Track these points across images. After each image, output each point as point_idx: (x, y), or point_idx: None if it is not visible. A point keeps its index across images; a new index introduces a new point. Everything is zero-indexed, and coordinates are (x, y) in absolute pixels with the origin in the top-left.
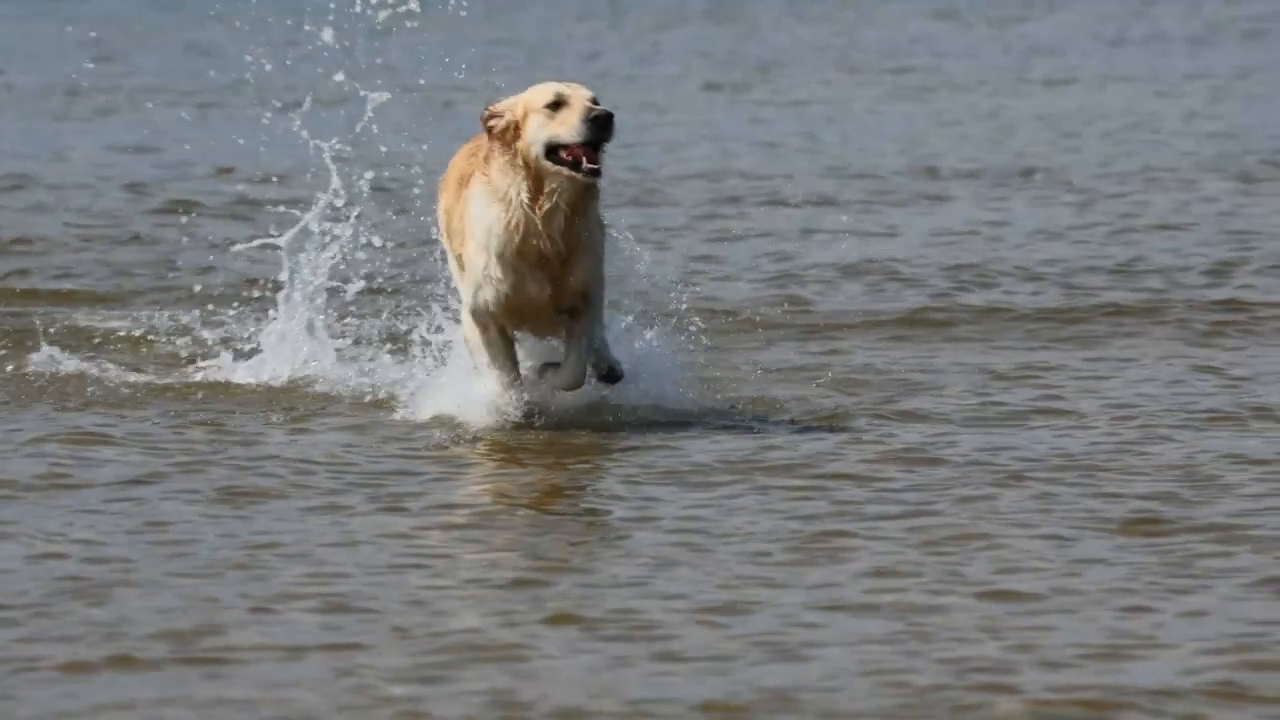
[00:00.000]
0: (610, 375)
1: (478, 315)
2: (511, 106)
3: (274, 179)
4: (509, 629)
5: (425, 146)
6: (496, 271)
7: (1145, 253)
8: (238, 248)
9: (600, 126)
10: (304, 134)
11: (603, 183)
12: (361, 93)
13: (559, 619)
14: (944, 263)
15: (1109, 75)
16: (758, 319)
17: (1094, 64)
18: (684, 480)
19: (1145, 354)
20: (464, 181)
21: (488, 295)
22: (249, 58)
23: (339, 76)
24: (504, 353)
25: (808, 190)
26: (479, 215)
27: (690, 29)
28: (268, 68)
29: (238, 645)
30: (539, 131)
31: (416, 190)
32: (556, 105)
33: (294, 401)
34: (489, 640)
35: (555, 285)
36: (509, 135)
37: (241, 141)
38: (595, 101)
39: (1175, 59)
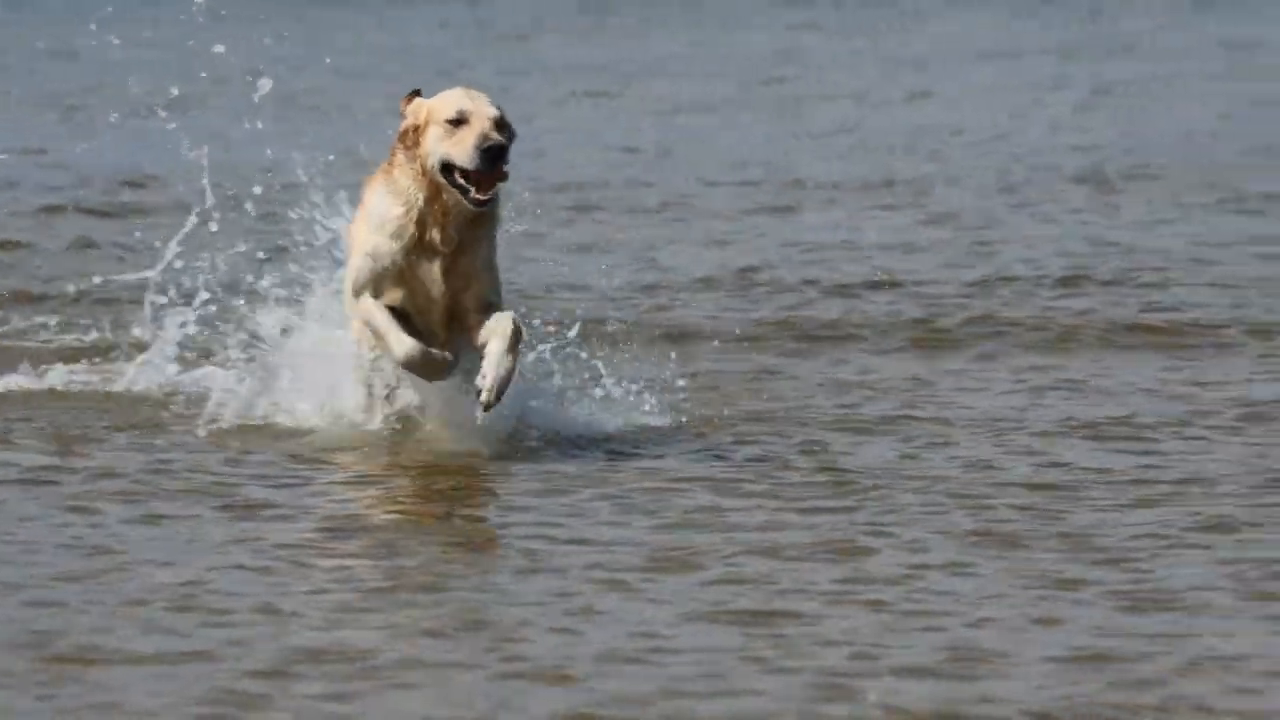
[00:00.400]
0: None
1: (358, 290)
2: (417, 110)
3: (134, 182)
4: (360, 632)
5: (298, 155)
6: (384, 248)
7: (1003, 264)
8: (98, 279)
9: (491, 158)
10: (175, 135)
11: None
12: (250, 78)
13: (410, 628)
14: (805, 274)
15: (973, 88)
16: (614, 328)
17: (958, 77)
18: (543, 490)
19: (1002, 365)
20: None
21: (373, 267)
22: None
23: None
24: (392, 320)
25: (670, 198)
26: (375, 206)
27: (552, 39)
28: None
29: (89, 651)
30: (436, 145)
31: (259, 192)
32: (457, 121)
33: (152, 408)
34: (338, 646)
35: (447, 278)
36: (409, 140)
37: (107, 143)
38: (499, 122)
39: (1040, 72)
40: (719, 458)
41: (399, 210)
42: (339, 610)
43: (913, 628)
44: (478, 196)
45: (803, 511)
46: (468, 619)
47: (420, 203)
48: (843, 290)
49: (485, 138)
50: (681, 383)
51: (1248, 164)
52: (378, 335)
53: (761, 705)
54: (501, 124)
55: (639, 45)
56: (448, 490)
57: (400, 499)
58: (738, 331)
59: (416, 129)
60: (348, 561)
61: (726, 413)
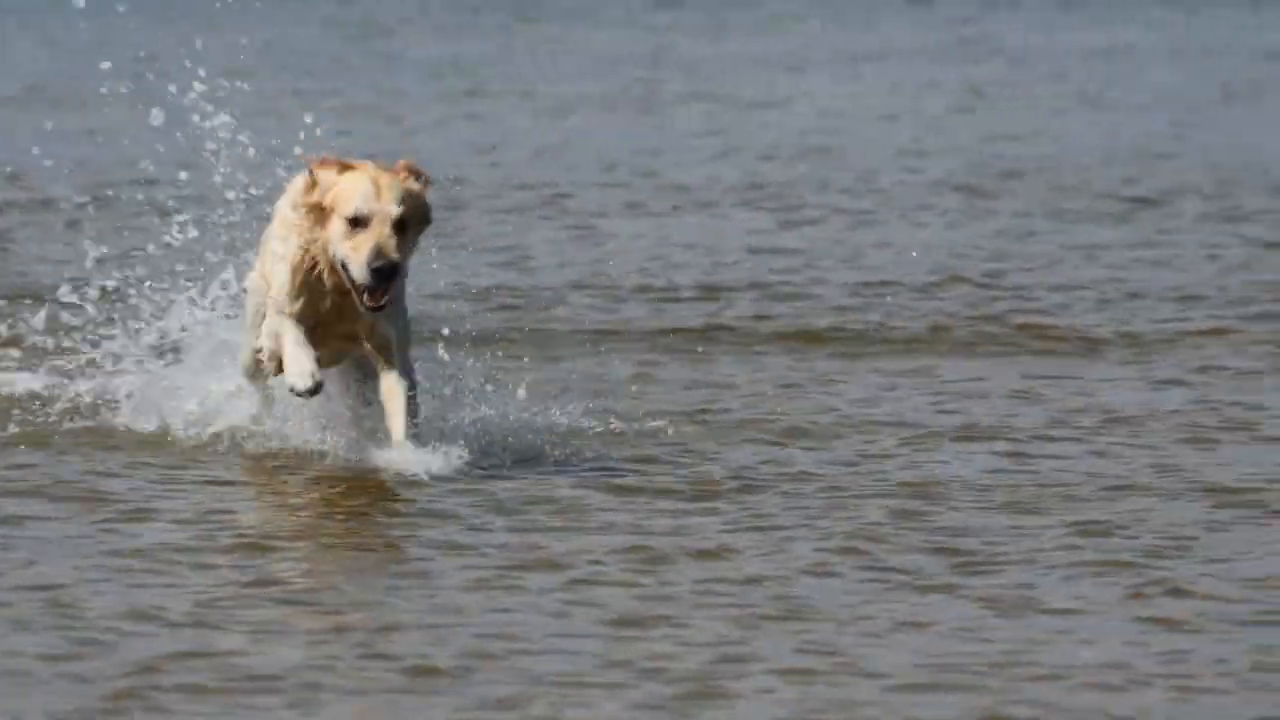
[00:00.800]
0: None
1: (273, 314)
2: (325, 189)
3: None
4: (228, 635)
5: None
6: (295, 298)
7: (872, 268)
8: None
9: (381, 278)
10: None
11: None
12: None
13: (279, 630)
14: (674, 276)
15: (841, 92)
16: (476, 332)
17: (827, 80)
18: (418, 493)
19: (870, 367)
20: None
21: (286, 305)
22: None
23: None
24: (301, 344)
25: (531, 201)
26: (281, 241)
27: (424, 36)
28: None
29: None
30: (337, 243)
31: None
32: (356, 222)
33: (42, 413)
34: (204, 649)
35: (348, 318)
36: (313, 216)
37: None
38: (400, 223)
39: (910, 75)
40: (576, 466)
41: (299, 253)
42: (205, 609)
43: (781, 630)
44: (370, 304)
45: (671, 514)
46: (337, 622)
47: (321, 271)
48: (710, 293)
49: (378, 253)
50: (549, 384)
51: (1112, 168)
52: (282, 353)
53: (626, 707)
54: (403, 224)
55: (512, 44)
56: (322, 496)
57: (271, 502)
58: (607, 333)
59: (321, 208)
60: (216, 563)
61: (593, 414)
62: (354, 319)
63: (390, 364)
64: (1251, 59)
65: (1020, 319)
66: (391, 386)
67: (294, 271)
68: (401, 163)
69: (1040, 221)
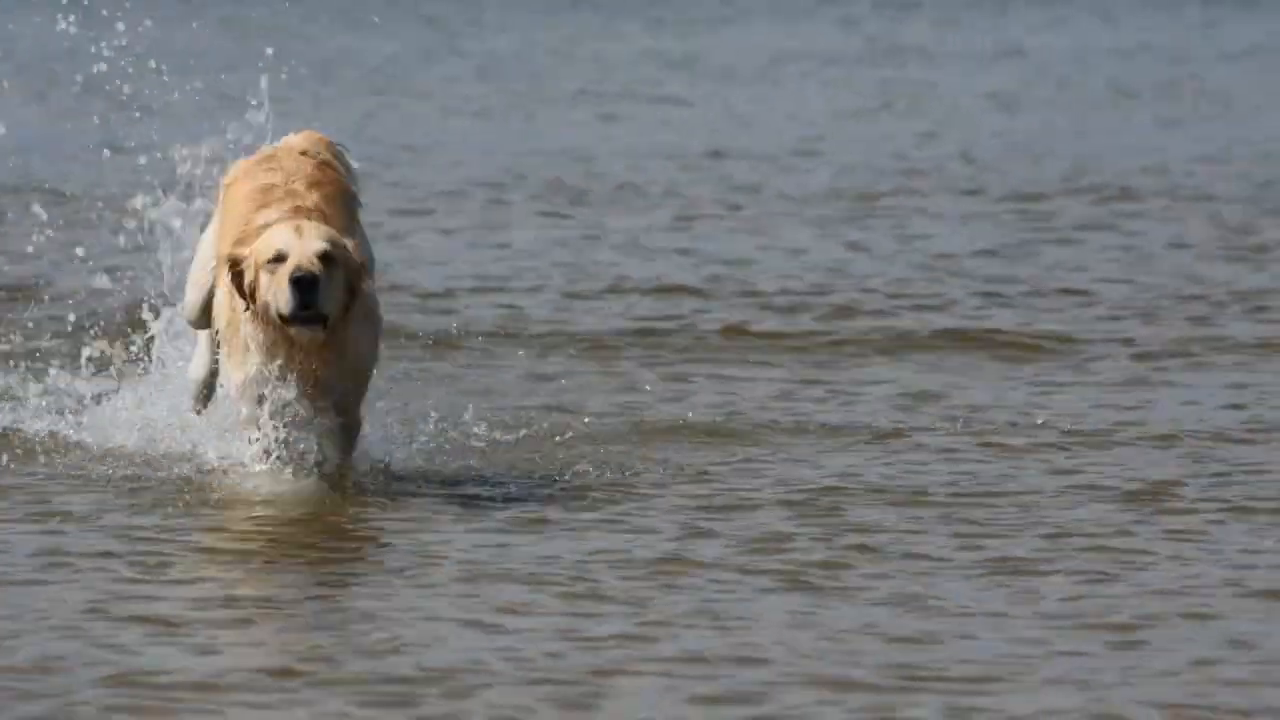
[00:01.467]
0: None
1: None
2: (249, 257)
3: None
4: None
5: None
6: (253, 377)
7: (747, 273)
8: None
9: (300, 292)
10: None
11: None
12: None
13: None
14: (528, 279)
15: (741, 96)
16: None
17: (724, 85)
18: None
19: (753, 372)
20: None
21: (249, 397)
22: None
23: None
24: (207, 347)
25: (418, 200)
26: (246, 337)
27: (314, 31)
28: None
29: None
30: (266, 293)
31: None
32: (278, 259)
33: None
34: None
35: (314, 383)
36: (250, 296)
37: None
38: (322, 255)
39: (810, 79)
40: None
41: (257, 351)
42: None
43: (669, 632)
44: (300, 330)
45: (531, 522)
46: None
47: (274, 355)
48: (574, 295)
49: (295, 269)
50: (408, 389)
51: (1021, 168)
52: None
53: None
54: (326, 257)
55: (405, 41)
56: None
57: (217, 517)
58: (479, 336)
59: (253, 284)
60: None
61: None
62: (315, 384)
63: (338, 417)
64: (1157, 60)
65: (901, 323)
66: (329, 445)
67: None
68: (310, 134)
69: (936, 222)
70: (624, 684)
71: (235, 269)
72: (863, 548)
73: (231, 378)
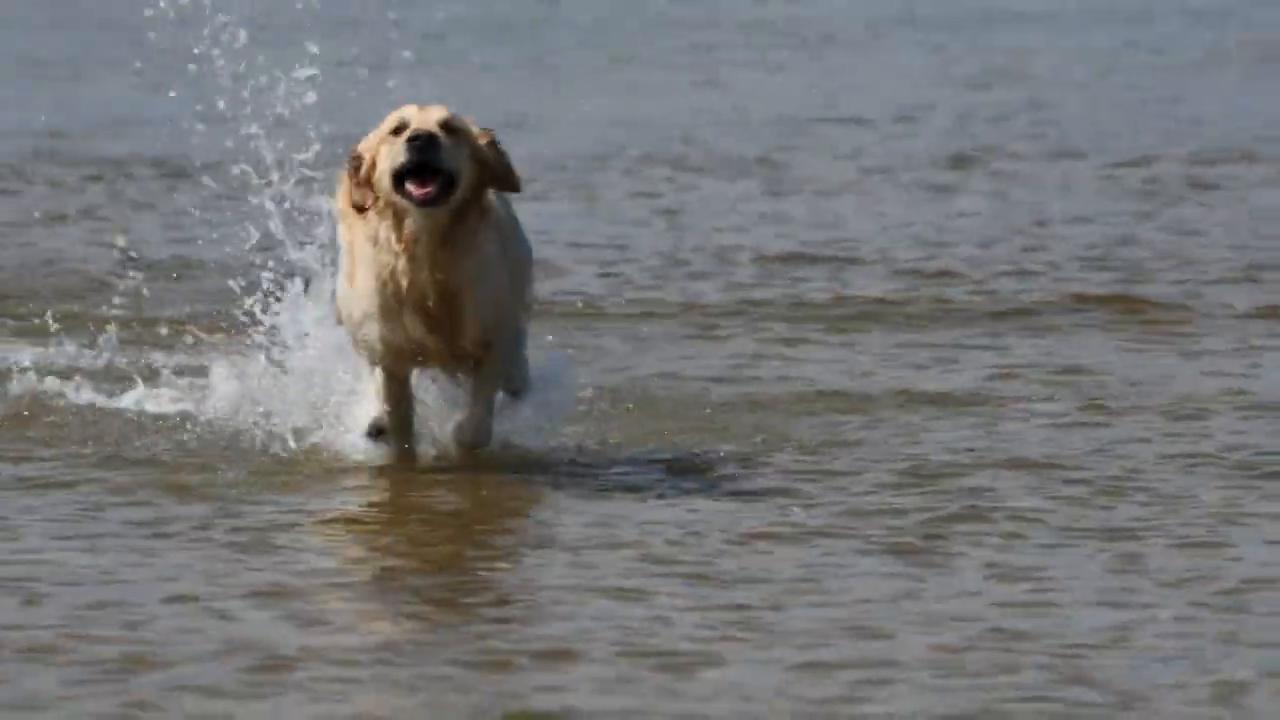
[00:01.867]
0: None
1: (361, 354)
2: (369, 142)
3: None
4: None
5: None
6: (373, 316)
7: (848, 239)
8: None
9: (418, 149)
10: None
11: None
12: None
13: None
14: (629, 249)
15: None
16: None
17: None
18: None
19: (840, 339)
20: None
21: (367, 335)
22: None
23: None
24: (393, 397)
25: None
26: (361, 254)
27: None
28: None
29: None
30: (384, 161)
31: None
32: (398, 130)
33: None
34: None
35: (441, 330)
36: (370, 175)
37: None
38: (443, 124)
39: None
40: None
41: (373, 254)
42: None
43: (772, 600)
44: (416, 192)
45: (638, 490)
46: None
47: (391, 244)
48: (678, 263)
49: (414, 133)
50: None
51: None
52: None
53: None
54: (449, 127)
55: (516, 4)
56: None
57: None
58: (579, 301)
59: (373, 162)
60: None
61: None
62: (443, 305)
63: (484, 363)
64: (1252, 21)
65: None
66: (476, 385)
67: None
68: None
69: (1031, 190)
70: (727, 652)
71: (355, 162)
72: (969, 515)
73: (347, 310)
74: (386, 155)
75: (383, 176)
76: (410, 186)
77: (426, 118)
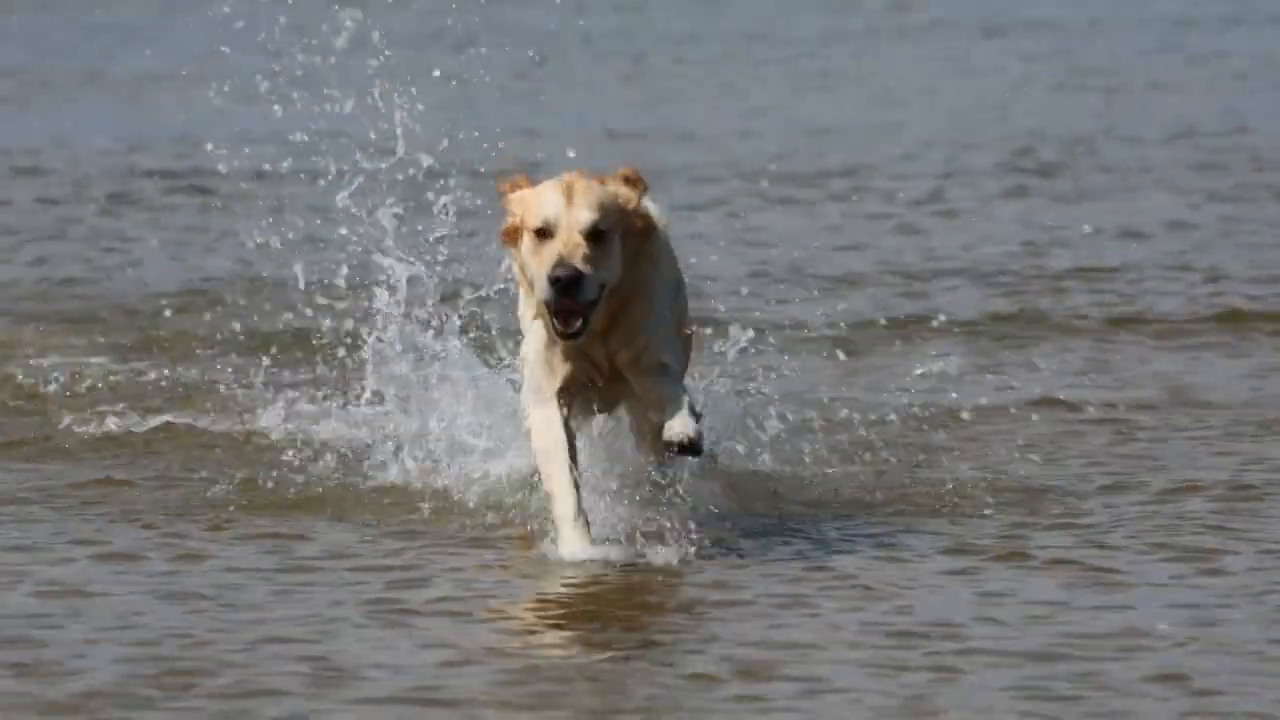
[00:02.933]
0: (691, 446)
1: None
2: (518, 204)
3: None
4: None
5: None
6: (540, 368)
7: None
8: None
9: (561, 290)
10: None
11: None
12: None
13: None
14: (777, 269)
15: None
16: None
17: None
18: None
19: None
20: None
21: (539, 382)
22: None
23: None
24: (561, 465)
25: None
26: (523, 308)
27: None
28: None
29: None
30: (528, 259)
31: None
32: (542, 233)
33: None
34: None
35: (604, 348)
36: (512, 241)
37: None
38: (592, 231)
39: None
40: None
41: (534, 316)
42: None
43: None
44: (559, 329)
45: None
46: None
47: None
48: (806, 282)
49: (559, 262)
50: None
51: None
52: (548, 493)
53: None
54: (597, 233)
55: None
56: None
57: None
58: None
59: (516, 230)
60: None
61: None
62: (607, 347)
63: (662, 382)
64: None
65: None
66: (664, 396)
67: (536, 332)
68: (620, 170)
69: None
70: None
71: (504, 205)
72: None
73: (526, 336)
74: (530, 254)
75: (527, 270)
76: (555, 322)
77: (571, 234)
